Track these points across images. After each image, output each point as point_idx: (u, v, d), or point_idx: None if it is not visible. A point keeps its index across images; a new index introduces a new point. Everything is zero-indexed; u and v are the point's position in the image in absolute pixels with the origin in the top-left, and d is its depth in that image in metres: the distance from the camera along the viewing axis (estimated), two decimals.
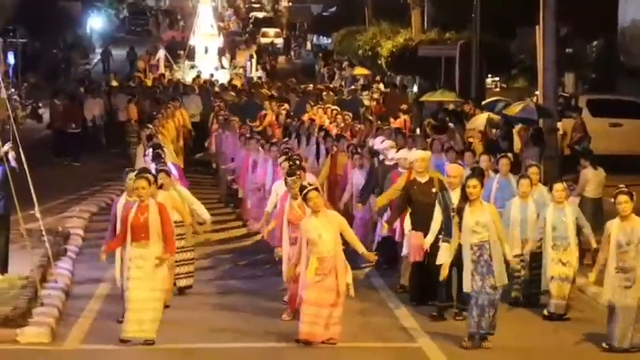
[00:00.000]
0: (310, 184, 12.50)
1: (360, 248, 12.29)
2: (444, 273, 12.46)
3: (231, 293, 14.63)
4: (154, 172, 13.74)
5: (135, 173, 12.55)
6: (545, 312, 13.33)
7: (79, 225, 19.11)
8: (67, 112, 28.90)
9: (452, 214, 12.68)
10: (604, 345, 11.89)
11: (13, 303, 12.75)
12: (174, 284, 13.98)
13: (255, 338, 12.30)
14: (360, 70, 40.60)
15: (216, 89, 34.14)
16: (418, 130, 24.68)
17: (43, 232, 14.97)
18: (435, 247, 13.06)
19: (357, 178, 16.74)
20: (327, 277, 11.87)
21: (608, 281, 11.90)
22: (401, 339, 12.40)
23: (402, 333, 12.65)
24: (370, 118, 25.61)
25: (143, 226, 11.86)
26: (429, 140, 18.42)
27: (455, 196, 12.85)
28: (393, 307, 13.78)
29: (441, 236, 12.99)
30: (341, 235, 12.08)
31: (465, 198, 12.15)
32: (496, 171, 15.29)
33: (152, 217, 11.89)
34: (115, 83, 37.42)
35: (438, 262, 12.89)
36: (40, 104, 36.77)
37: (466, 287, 12.02)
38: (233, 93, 32.10)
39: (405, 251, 14.21)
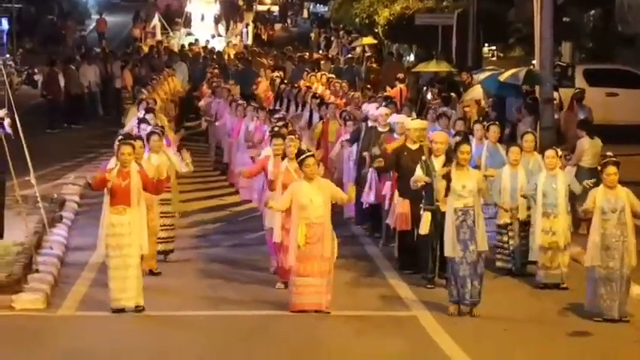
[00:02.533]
0: (309, 150, 12.49)
1: (345, 196, 12.42)
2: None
3: (221, 261, 14.65)
4: (144, 134, 13.73)
5: (119, 138, 12.45)
6: (542, 283, 13.32)
7: (74, 192, 19.12)
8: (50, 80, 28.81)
9: (434, 179, 12.69)
10: (596, 318, 11.92)
11: (8, 269, 12.78)
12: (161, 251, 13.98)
13: (246, 306, 12.32)
14: (367, 40, 39.64)
15: (213, 56, 34.13)
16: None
17: (39, 199, 14.97)
18: (419, 215, 13.08)
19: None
20: (316, 245, 11.86)
21: (591, 247, 11.93)
22: (395, 308, 12.43)
23: (396, 302, 12.67)
24: (368, 87, 25.60)
25: (124, 192, 11.77)
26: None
27: (438, 163, 12.87)
28: (388, 276, 13.80)
29: (422, 205, 13.01)
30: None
31: (450, 162, 12.17)
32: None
33: (134, 183, 11.82)
34: (103, 47, 37.32)
35: (421, 232, 12.93)
36: (36, 70, 36.67)
37: (447, 251, 12.04)
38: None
39: (390, 221, 14.21)
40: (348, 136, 16.90)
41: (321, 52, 41.77)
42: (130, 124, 18.10)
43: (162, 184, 12.61)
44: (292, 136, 13.33)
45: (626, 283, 11.97)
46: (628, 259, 11.90)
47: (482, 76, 23.57)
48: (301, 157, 12.16)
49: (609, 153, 12.33)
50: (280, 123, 15.49)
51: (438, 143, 13.21)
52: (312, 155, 12.22)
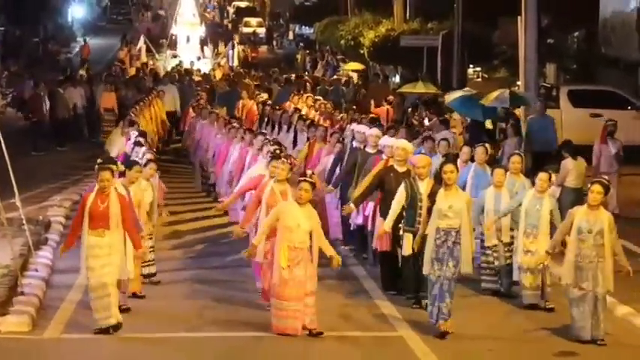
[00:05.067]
0: (311, 177, 12.40)
1: (330, 251, 12.12)
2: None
3: (207, 282, 14.61)
4: (135, 156, 13.71)
5: (99, 162, 12.41)
6: (525, 304, 13.30)
7: (59, 214, 19.06)
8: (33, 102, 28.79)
9: (419, 204, 12.71)
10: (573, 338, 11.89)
11: None
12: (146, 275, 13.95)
13: (232, 327, 12.30)
14: (353, 65, 39.45)
15: (197, 78, 34.14)
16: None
17: (24, 221, 14.93)
18: (400, 237, 13.11)
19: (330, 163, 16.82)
20: (296, 268, 11.82)
21: (567, 266, 11.89)
22: (381, 328, 12.43)
23: (383, 322, 12.68)
24: (353, 108, 25.68)
25: (103, 215, 11.74)
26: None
27: (423, 187, 12.88)
28: (374, 297, 13.80)
29: (401, 225, 13.03)
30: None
31: (439, 182, 12.20)
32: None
33: (113, 206, 11.78)
34: (83, 73, 37.39)
35: (403, 254, 12.96)
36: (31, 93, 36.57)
37: (425, 270, 12.07)
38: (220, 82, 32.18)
39: (374, 242, 14.23)
40: (331, 157, 16.84)
41: (306, 73, 41.86)
42: (117, 146, 18.09)
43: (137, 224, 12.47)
44: (283, 159, 13.29)
45: (601, 306, 11.81)
46: (603, 282, 11.76)
47: (453, 96, 23.64)
48: (301, 179, 12.07)
49: (605, 177, 12.35)
50: (277, 146, 15.43)
51: (420, 168, 13.16)
52: (313, 184, 12.12)
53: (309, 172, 13.18)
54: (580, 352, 11.56)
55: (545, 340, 12.12)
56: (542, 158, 19.51)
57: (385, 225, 13.18)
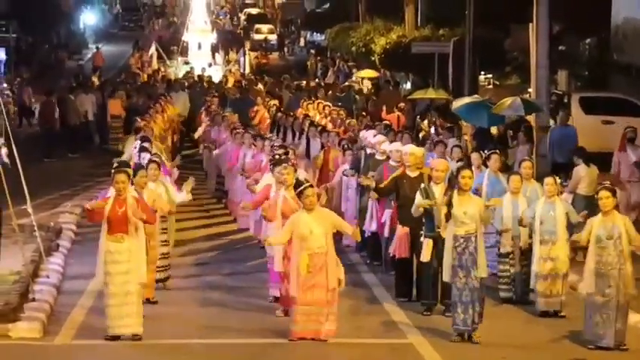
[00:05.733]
0: (307, 181, 12.47)
1: (349, 229, 12.33)
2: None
3: (220, 289, 14.62)
4: (142, 162, 13.71)
5: (115, 166, 12.45)
6: (541, 311, 13.28)
7: (71, 220, 19.09)
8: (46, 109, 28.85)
9: (436, 208, 12.72)
10: (590, 346, 11.88)
11: (5, 298, 12.73)
12: (157, 280, 13.94)
13: (245, 334, 12.29)
14: (366, 73, 39.09)
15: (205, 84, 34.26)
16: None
17: (35, 228, 14.95)
18: (419, 243, 13.09)
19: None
20: (318, 275, 11.85)
21: (587, 275, 11.91)
22: (392, 335, 12.41)
23: (393, 329, 12.65)
24: (364, 115, 25.67)
25: (121, 220, 11.77)
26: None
27: (438, 191, 12.88)
28: (385, 304, 13.78)
29: (422, 232, 13.02)
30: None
31: (452, 187, 12.20)
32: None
33: (130, 210, 11.81)
34: (95, 80, 37.53)
35: (422, 259, 12.95)
36: (33, 100, 36.71)
37: (445, 277, 12.06)
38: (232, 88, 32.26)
39: (391, 248, 14.22)
40: (347, 165, 16.87)
41: (317, 80, 41.85)
42: (129, 152, 18.13)
43: (155, 216, 12.56)
44: (287, 165, 13.31)
45: (623, 311, 11.91)
46: (624, 287, 11.85)
47: (460, 102, 23.56)
48: (300, 189, 12.12)
49: (606, 182, 12.35)
50: (281, 151, 15.49)
51: (438, 171, 13.23)
52: (311, 186, 12.20)
53: (301, 176, 13.14)
54: None
55: (558, 347, 12.07)
56: (564, 168, 19.22)
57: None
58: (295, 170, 13.32)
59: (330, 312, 11.92)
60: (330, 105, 25.07)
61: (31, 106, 34.09)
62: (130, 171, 12.45)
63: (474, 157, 15.85)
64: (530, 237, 13.58)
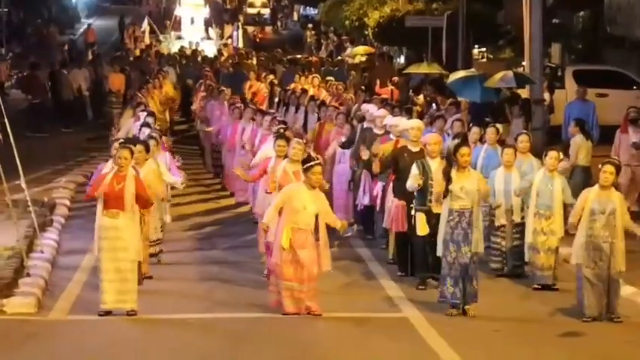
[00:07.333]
0: (317, 158, 12.33)
1: (337, 224, 12.13)
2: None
3: (215, 264, 14.64)
4: (142, 137, 13.69)
5: (119, 142, 12.44)
6: (535, 285, 13.32)
7: (65, 195, 19.09)
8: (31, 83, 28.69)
9: (430, 182, 12.71)
10: (584, 318, 11.91)
11: None
12: (150, 254, 13.93)
13: (239, 308, 12.31)
14: (363, 49, 38.48)
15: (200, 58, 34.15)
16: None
17: (29, 203, 14.95)
18: (412, 217, 13.10)
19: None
20: (300, 251, 11.78)
21: (578, 246, 11.90)
22: (387, 309, 12.44)
23: (388, 303, 12.68)
24: (362, 89, 25.62)
25: (118, 196, 11.72)
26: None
27: (434, 165, 12.89)
28: (379, 278, 13.81)
29: (412, 205, 13.02)
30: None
31: (450, 164, 12.19)
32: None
33: (128, 187, 11.76)
34: (94, 53, 37.39)
35: (418, 233, 12.96)
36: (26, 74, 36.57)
37: (439, 251, 12.09)
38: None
39: (386, 223, 14.20)
40: (343, 138, 16.84)
41: (314, 54, 41.73)
42: (126, 128, 18.09)
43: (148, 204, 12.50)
44: (299, 140, 13.24)
45: (614, 284, 11.92)
46: (615, 263, 11.83)
47: (454, 76, 23.47)
48: (309, 164, 11.97)
49: (614, 157, 12.33)
50: (282, 125, 15.46)
51: (431, 145, 13.23)
52: (320, 164, 12.10)
53: (312, 153, 13.15)
54: (587, 332, 11.56)
55: (553, 320, 12.11)
56: None
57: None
58: (306, 144, 13.27)
59: (309, 288, 11.84)
60: (332, 79, 24.99)
61: (3, 83, 33.75)
62: (135, 148, 12.41)
63: (474, 130, 15.79)
64: (522, 210, 13.57)
